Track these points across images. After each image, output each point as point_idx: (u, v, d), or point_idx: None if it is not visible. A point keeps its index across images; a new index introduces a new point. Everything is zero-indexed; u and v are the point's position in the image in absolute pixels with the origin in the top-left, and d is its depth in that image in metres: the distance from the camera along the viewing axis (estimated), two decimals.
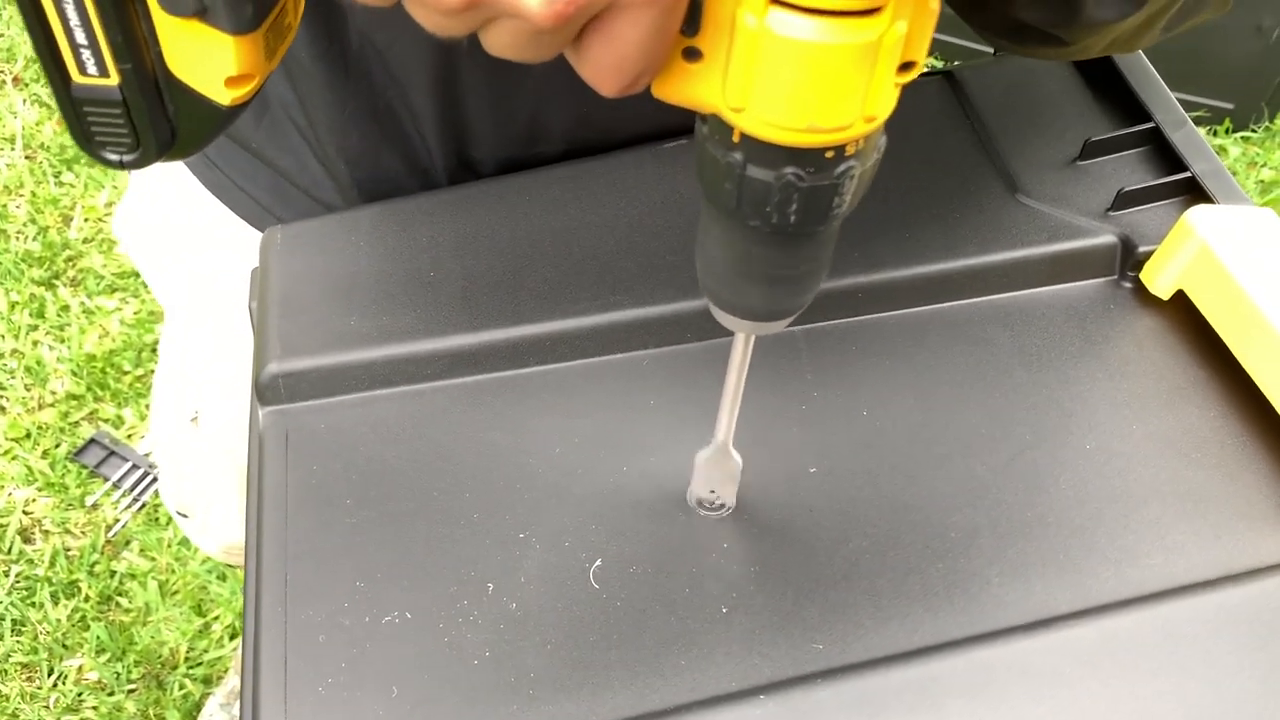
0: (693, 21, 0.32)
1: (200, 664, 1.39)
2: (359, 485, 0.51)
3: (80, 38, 0.33)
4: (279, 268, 0.57)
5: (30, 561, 1.47)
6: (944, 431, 0.53)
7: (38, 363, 1.66)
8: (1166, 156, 0.62)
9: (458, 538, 0.50)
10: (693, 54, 0.33)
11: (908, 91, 0.34)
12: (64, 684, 1.37)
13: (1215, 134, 2.12)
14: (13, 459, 1.56)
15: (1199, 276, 0.56)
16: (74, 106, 0.35)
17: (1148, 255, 0.58)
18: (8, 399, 1.62)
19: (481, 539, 0.49)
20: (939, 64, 2.08)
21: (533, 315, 0.55)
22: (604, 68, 0.33)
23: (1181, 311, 0.57)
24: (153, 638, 1.40)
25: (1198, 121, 2.10)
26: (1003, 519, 0.49)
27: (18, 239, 1.81)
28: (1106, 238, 0.59)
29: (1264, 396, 0.52)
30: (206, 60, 0.34)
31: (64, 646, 1.40)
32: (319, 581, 0.48)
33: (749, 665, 0.45)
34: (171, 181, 0.76)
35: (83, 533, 1.50)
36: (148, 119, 0.35)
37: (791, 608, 0.47)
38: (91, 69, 0.34)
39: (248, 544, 0.51)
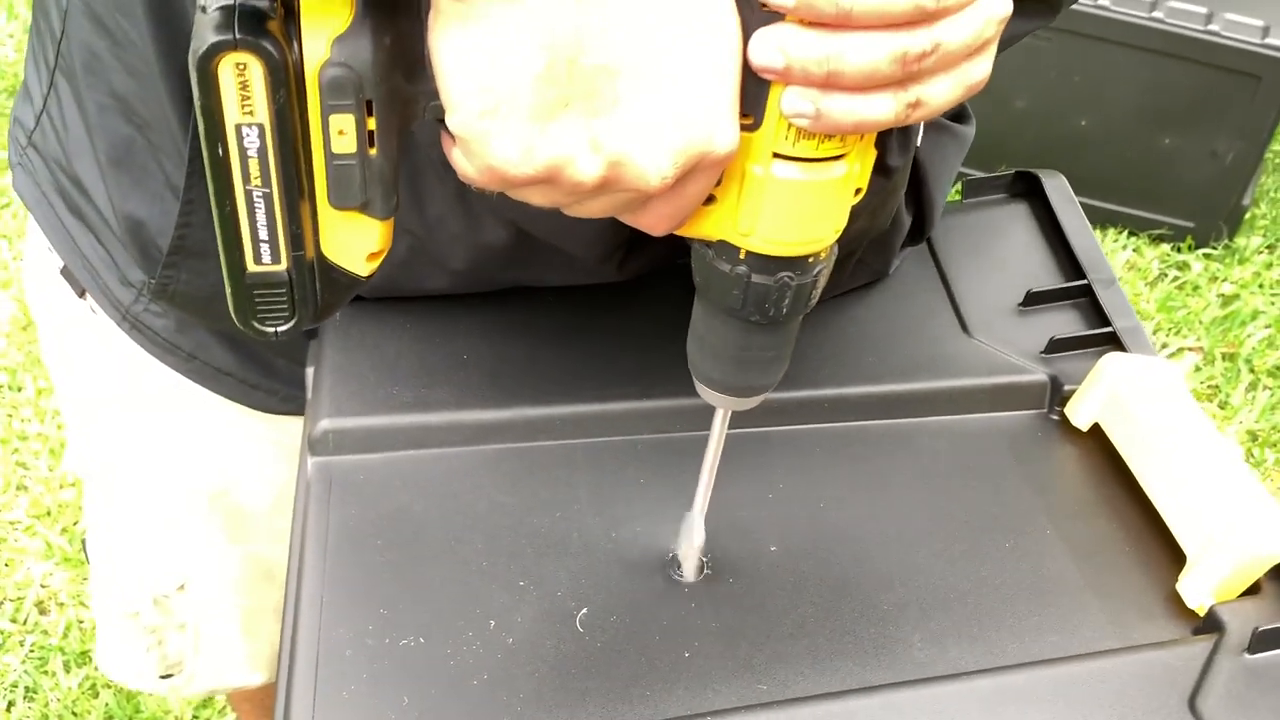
0: None
1: None
2: (389, 529, 0.60)
3: (263, 234, 0.41)
4: (333, 340, 0.68)
5: (45, 632, 1.53)
6: (887, 524, 0.62)
7: (62, 445, 1.75)
8: (1095, 310, 0.73)
9: (468, 580, 0.58)
10: (709, 199, 0.45)
11: None
12: None
13: (1179, 250, 2.25)
14: (34, 535, 1.64)
15: (1111, 413, 0.66)
16: (246, 290, 0.42)
17: (1072, 393, 0.69)
18: (32, 479, 1.71)
19: (488, 582, 0.58)
20: None
21: (548, 398, 0.65)
22: (665, 217, 0.44)
23: (1097, 442, 0.67)
24: (159, 706, 1.46)
25: (1161, 238, 2.25)
26: (929, 597, 0.58)
27: (41, 349, 1.92)
28: (1039, 376, 0.70)
29: (1158, 514, 0.62)
30: (355, 242, 0.43)
31: (74, 714, 1.45)
32: (350, 607, 0.57)
33: (703, 698, 0.53)
34: (113, 353, 0.78)
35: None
36: (304, 295, 0.43)
37: (744, 655, 0.55)
38: (266, 258, 0.42)
39: (289, 572, 0.60)
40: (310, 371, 0.67)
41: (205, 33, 0.37)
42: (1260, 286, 2.18)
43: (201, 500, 0.85)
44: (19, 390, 1.83)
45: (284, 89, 0.37)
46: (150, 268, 0.72)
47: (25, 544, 1.62)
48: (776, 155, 0.42)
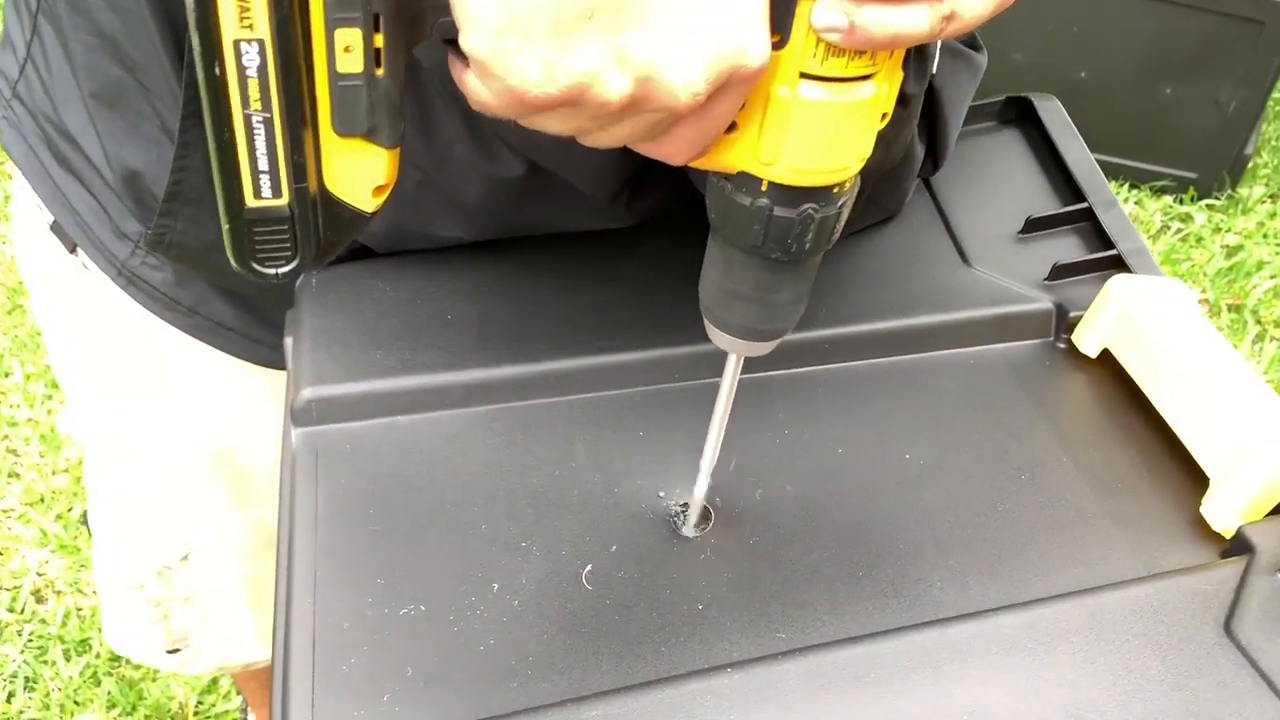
0: None
1: (209, 717, 1.42)
2: (381, 497, 0.58)
3: (263, 164, 0.38)
4: (311, 306, 0.65)
5: (43, 621, 1.50)
6: (898, 464, 0.60)
7: (52, 430, 1.72)
8: (1097, 234, 0.71)
9: (467, 544, 0.56)
10: (730, 127, 0.42)
11: None
12: None
13: (1181, 201, 2.23)
14: (27, 523, 1.61)
15: (1121, 337, 0.64)
16: (246, 226, 0.40)
17: (1078, 319, 0.66)
18: (23, 465, 1.68)
19: (488, 545, 0.56)
20: None
21: (539, 355, 0.62)
22: (688, 143, 0.41)
23: (1107, 368, 0.65)
24: (162, 692, 1.43)
25: (1163, 190, 2.23)
26: (946, 535, 0.56)
27: (33, 315, 1.88)
28: (1043, 304, 0.67)
29: (1176, 437, 0.60)
30: (361, 173, 0.40)
31: (75, 703, 1.43)
32: (344, 578, 0.55)
33: (719, 650, 0.51)
34: (111, 321, 0.77)
35: (94, 593, 1.54)
36: (305, 232, 0.40)
37: (759, 605, 0.53)
38: (266, 192, 0.39)
39: (279, 548, 0.57)
40: (289, 341, 0.64)
41: None
42: (1264, 237, 2.17)
43: (203, 463, 0.83)
44: (7, 375, 1.79)
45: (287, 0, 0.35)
46: (145, 217, 0.69)
47: (19, 532, 1.59)
48: (804, 76, 0.40)
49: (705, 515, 0.57)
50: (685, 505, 0.57)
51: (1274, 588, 0.51)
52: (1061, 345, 0.67)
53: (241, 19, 0.35)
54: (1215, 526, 0.55)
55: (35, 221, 0.76)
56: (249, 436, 0.82)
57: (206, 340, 0.77)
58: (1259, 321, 2.04)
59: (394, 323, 0.64)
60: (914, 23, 0.38)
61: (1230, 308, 2.06)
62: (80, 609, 1.52)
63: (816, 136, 0.41)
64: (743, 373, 0.53)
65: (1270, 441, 0.55)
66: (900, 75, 0.42)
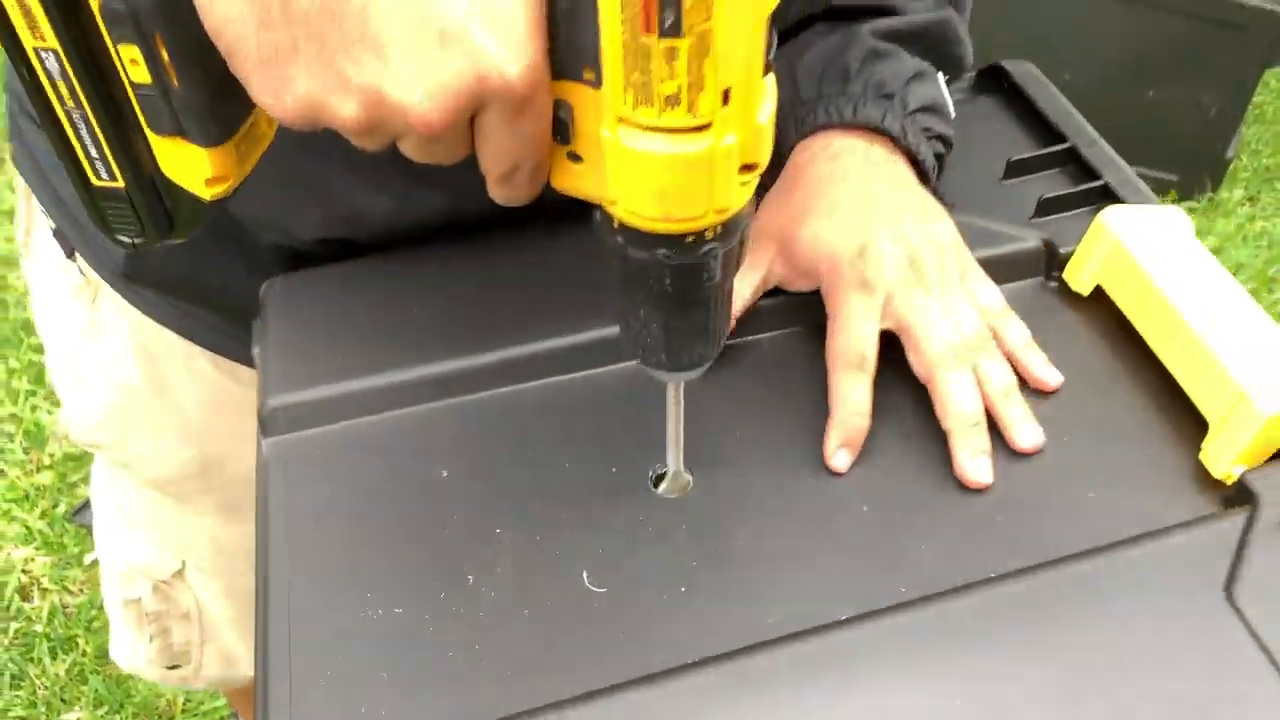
0: (562, 132, 0.40)
1: (197, 714, 1.42)
2: (352, 501, 0.56)
3: (93, 152, 0.42)
4: (276, 315, 0.63)
5: (29, 619, 1.50)
6: (886, 422, 0.57)
7: (36, 426, 1.70)
8: (1082, 170, 0.67)
9: (439, 539, 0.54)
10: (574, 157, 0.40)
11: None
12: None
13: (1163, 203, 2.20)
14: (11, 520, 1.60)
15: (1114, 272, 0.61)
16: (94, 202, 0.43)
17: (1069, 256, 0.63)
18: (6, 462, 1.67)
19: (461, 538, 0.54)
20: None
21: (499, 343, 0.60)
22: (487, 159, 0.41)
23: (1101, 305, 0.62)
24: (150, 690, 1.43)
25: None
26: (935, 499, 0.54)
27: (17, 308, 1.86)
28: (1032, 242, 0.64)
29: (1174, 381, 0.57)
30: (189, 166, 0.42)
31: (62, 700, 1.43)
32: (319, 586, 0.53)
33: (705, 640, 0.49)
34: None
35: (81, 590, 1.54)
36: (149, 212, 0.43)
37: (737, 586, 0.51)
38: (104, 175, 0.42)
39: (256, 560, 0.56)
40: (256, 350, 0.62)
41: None
42: (1243, 239, 2.15)
43: (193, 472, 0.82)
44: None
45: (67, 16, 0.37)
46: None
47: (4, 529, 1.59)
48: (621, 120, 0.36)
49: (683, 483, 0.55)
50: (662, 474, 0.55)
51: (1277, 545, 0.49)
52: (1053, 284, 0.64)
53: (33, 31, 0.38)
54: (1215, 473, 0.53)
55: (39, 227, 0.78)
56: (239, 446, 0.80)
57: (199, 341, 0.76)
58: None
59: (357, 324, 0.62)
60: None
61: None
62: (66, 606, 1.52)
63: (645, 185, 0.38)
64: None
65: (1271, 378, 0.52)
66: (757, 125, 0.38)
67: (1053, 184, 0.68)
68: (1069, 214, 0.66)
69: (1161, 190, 2.23)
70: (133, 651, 0.95)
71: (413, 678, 0.49)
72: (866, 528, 0.53)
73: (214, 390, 0.79)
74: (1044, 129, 0.72)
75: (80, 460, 1.66)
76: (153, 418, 0.81)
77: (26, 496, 1.62)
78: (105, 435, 0.83)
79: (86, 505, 1.60)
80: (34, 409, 1.72)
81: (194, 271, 0.70)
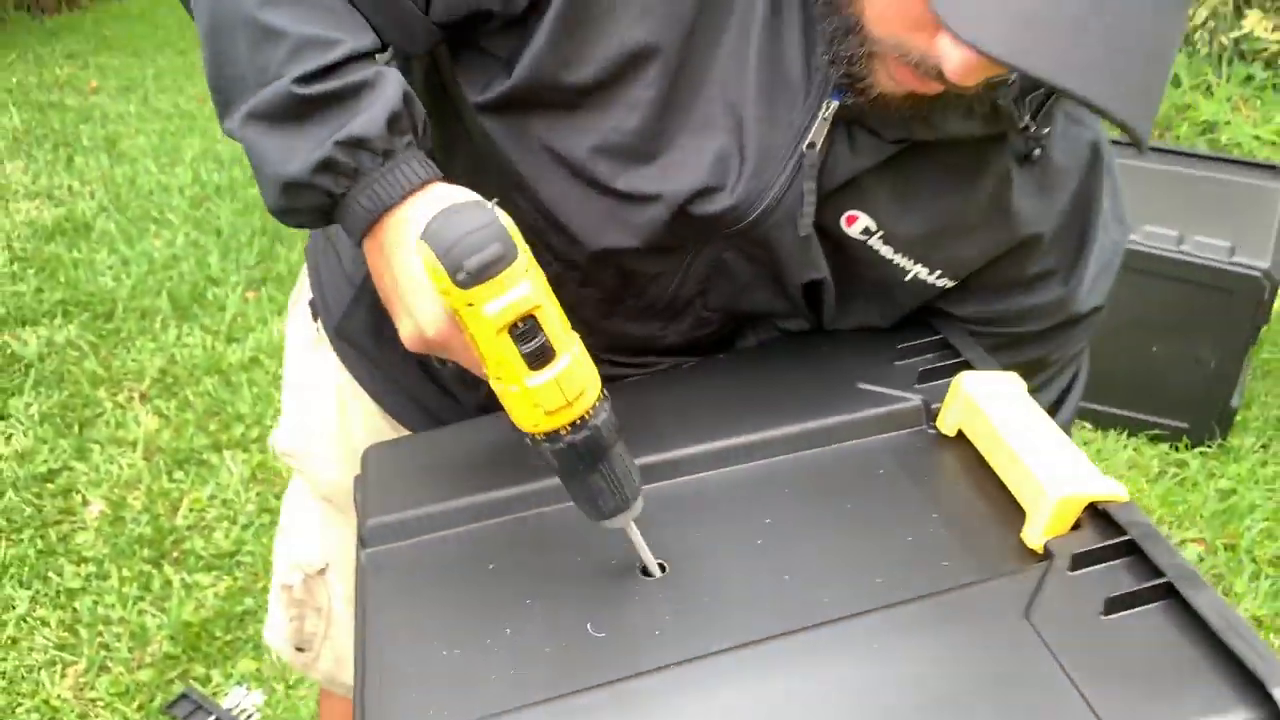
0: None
1: None
2: (434, 600, 0.78)
3: None
4: (374, 456, 0.90)
5: None
6: (809, 525, 0.80)
7: (141, 628, 1.93)
8: (949, 349, 0.93)
9: (506, 620, 0.76)
10: None
11: None
12: None
13: (1176, 449, 2.41)
14: (114, 712, 1.80)
15: (969, 418, 0.85)
16: None
17: (939, 409, 0.88)
18: (112, 660, 1.89)
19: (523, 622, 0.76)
20: None
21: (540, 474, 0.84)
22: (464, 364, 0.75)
23: (962, 442, 0.86)
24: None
25: (1158, 439, 2.43)
26: (839, 568, 0.76)
27: (133, 525, 2.13)
28: (915, 401, 0.89)
29: (1007, 488, 0.80)
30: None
31: None
32: (409, 671, 0.73)
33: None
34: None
35: None
36: None
37: (701, 637, 0.73)
38: None
39: (356, 647, 0.77)
40: (355, 479, 0.88)
41: None
42: (1256, 482, 2.32)
43: (347, 490, 1.02)
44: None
45: None
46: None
47: None
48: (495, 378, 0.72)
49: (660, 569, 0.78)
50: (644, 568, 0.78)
51: (1064, 582, 0.71)
52: (931, 430, 0.88)
53: None
54: (1030, 544, 0.75)
55: (302, 297, 1.11)
56: None
57: (385, 407, 1.07)
58: (1254, 560, 2.15)
59: (439, 467, 0.88)
60: None
61: (1226, 547, 2.18)
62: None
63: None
64: (691, 472, 0.76)
65: (1061, 476, 0.75)
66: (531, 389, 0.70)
67: (932, 357, 0.93)
68: (940, 381, 0.91)
69: (1175, 437, 2.41)
70: (276, 629, 1.19)
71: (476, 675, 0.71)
72: (790, 588, 0.75)
73: (380, 435, 1.04)
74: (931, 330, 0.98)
75: (177, 659, 1.88)
76: (332, 447, 1.08)
77: (127, 691, 1.84)
78: (297, 448, 1.13)
79: (180, 699, 1.81)
80: (141, 614, 1.96)
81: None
